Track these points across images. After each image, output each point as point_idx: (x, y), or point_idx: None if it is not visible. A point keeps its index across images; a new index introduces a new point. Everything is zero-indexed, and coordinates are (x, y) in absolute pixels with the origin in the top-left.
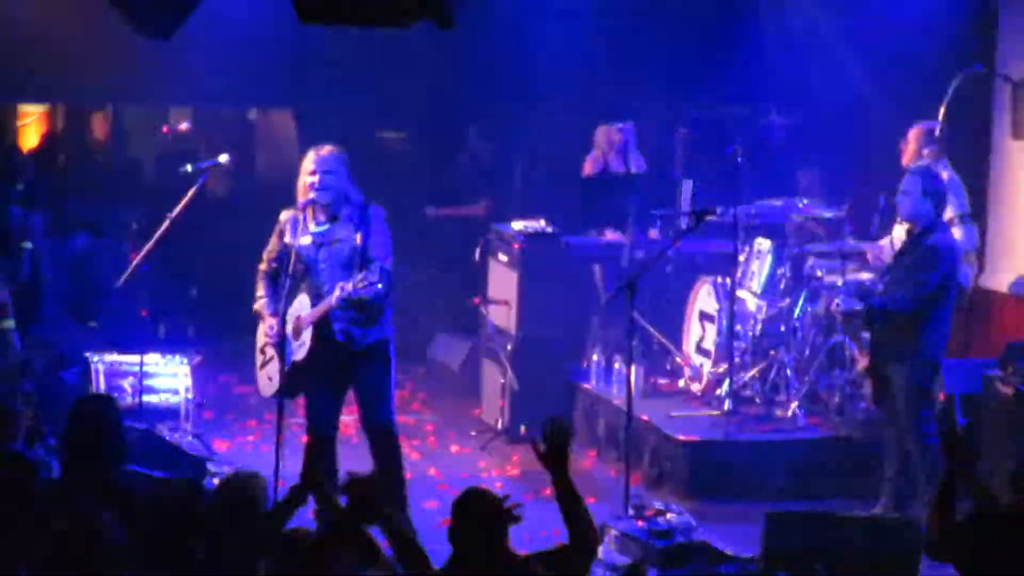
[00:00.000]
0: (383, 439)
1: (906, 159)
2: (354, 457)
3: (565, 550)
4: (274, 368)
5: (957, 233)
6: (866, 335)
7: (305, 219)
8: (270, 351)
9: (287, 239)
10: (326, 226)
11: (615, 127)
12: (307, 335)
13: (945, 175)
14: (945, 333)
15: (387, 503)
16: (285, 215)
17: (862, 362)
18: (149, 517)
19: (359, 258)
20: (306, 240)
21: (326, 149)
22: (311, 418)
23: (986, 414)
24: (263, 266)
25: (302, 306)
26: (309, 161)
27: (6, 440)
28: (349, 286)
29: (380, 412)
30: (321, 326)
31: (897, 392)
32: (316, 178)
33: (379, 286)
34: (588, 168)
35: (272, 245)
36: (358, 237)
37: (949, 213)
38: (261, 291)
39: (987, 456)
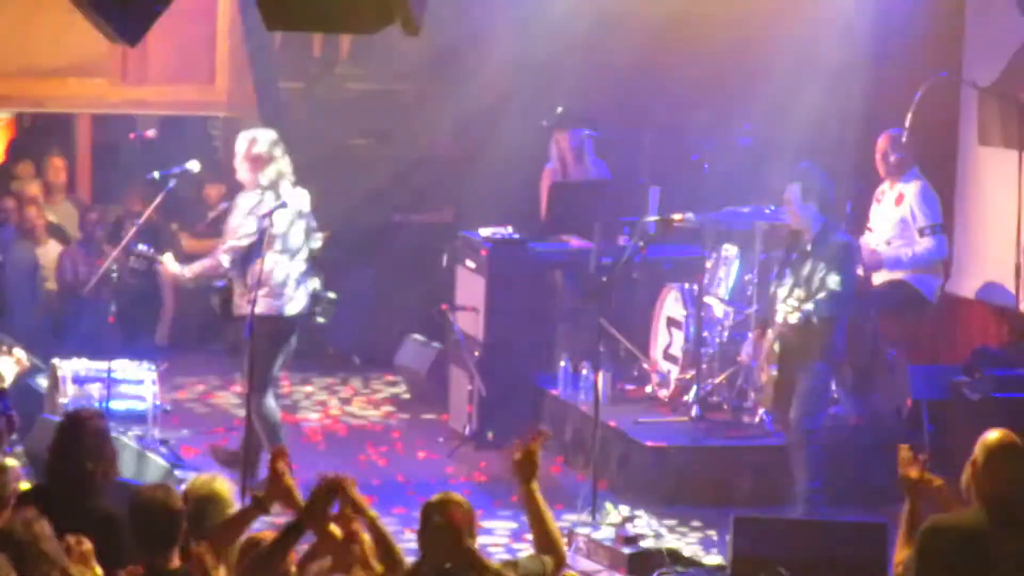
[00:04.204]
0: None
1: (882, 170)
2: (321, 463)
3: (533, 559)
4: None
5: (927, 244)
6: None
7: None
8: None
9: None
10: None
11: (564, 133)
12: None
13: (917, 184)
14: (845, 331)
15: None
16: None
17: (767, 373)
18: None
19: None
20: None
21: None
22: None
23: (953, 420)
24: None
25: None
26: None
27: None
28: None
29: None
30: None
31: (799, 394)
32: None
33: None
34: (547, 179)
35: None
36: None
37: (921, 223)
38: None
39: (955, 463)
